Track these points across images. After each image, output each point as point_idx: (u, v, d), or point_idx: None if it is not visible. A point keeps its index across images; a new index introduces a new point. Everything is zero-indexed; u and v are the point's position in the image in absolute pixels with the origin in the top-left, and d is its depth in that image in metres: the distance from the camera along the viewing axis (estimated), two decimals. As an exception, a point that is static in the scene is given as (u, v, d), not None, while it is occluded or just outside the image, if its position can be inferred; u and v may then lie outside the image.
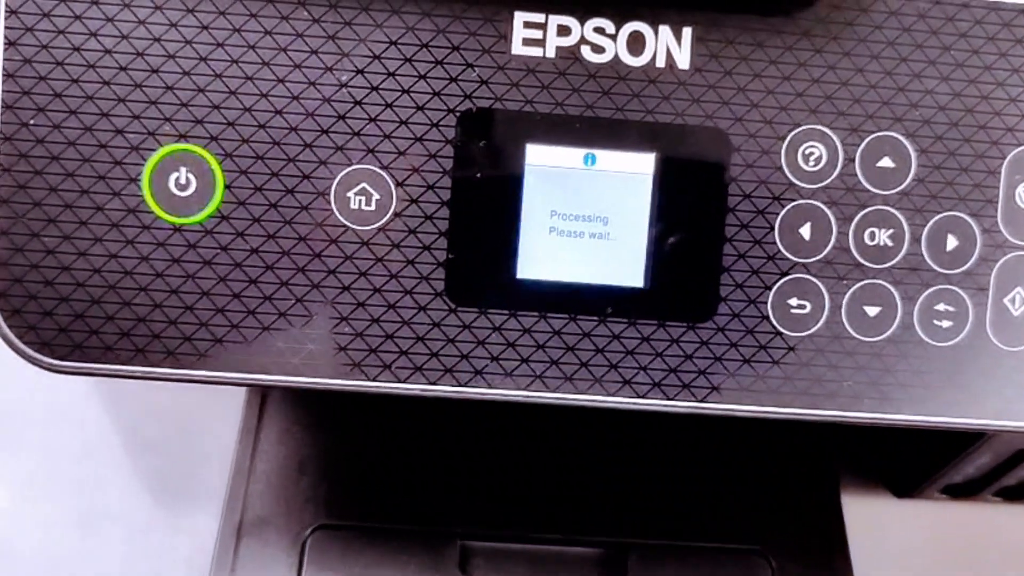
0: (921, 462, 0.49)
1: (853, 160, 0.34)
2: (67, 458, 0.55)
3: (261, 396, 0.46)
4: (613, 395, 0.34)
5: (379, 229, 0.33)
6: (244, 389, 0.49)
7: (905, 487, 0.51)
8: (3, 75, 0.32)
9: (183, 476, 0.55)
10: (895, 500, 0.52)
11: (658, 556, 0.43)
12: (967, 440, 0.45)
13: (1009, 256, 0.34)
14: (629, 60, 0.33)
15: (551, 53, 0.33)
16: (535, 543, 0.43)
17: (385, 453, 0.45)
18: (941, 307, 0.34)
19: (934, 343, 0.34)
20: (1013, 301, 0.34)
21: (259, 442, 0.45)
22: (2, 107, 0.32)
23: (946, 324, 0.34)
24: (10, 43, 0.32)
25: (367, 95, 0.33)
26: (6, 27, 0.32)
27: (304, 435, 0.45)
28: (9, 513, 0.54)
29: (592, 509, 0.44)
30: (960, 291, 0.34)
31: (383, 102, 0.33)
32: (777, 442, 0.47)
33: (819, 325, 0.34)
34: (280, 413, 0.46)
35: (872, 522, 0.52)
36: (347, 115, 0.33)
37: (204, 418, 0.54)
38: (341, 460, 0.45)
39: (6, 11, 0.32)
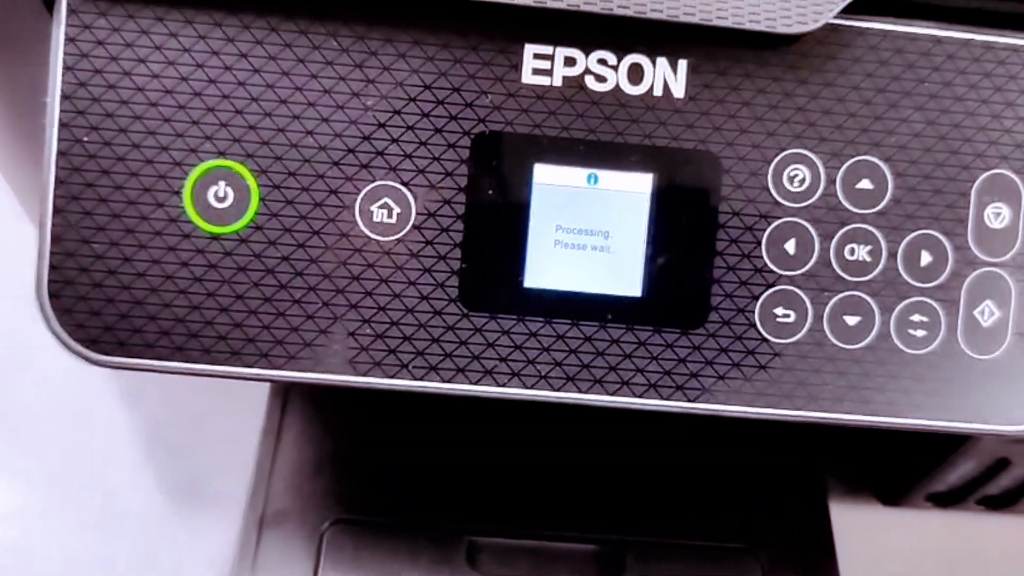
0: (906, 470, 0.51)
1: (834, 182, 0.37)
2: (91, 458, 0.58)
3: (282, 399, 0.49)
4: (612, 395, 0.37)
5: (399, 240, 0.36)
6: (266, 393, 0.51)
7: (891, 495, 0.53)
8: (61, 96, 0.35)
9: (204, 478, 0.57)
10: (882, 508, 0.54)
11: (654, 553, 0.46)
12: (949, 448, 0.48)
13: (979, 271, 0.37)
14: (629, 89, 0.36)
15: (558, 82, 0.36)
16: (538, 539, 0.46)
17: (399, 454, 0.48)
18: (916, 318, 0.37)
19: (909, 351, 0.37)
20: (982, 313, 0.37)
21: (280, 442, 0.48)
22: (59, 125, 0.35)
23: (920, 333, 0.37)
24: (68, 68, 0.35)
25: (390, 118, 0.36)
26: (65, 53, 0.35)
27: (323, 436, 0.48)
28: (36, 510, 0.57)
29: (592, 508, 0.47)
30: (933, 303, 0.37)
31: (404, 125, 0.36)
32: (768, 449, 0.50)
33: (802, 333, 0.37)
34: (300, 415, 0.49)
35: (860, 529, 0.54)
36: (371, 136, 0.36)
37: (224, 424, 0.57)
38: (357, 459, 0.47)
39: (65, 39, 0.35)
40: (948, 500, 0.53)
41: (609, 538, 0.46)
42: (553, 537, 0.46)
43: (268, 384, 0.51)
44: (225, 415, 0.57)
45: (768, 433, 0.50)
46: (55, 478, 0.58)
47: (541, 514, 0.46)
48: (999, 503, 0.53)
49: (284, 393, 0.49)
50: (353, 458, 0.47)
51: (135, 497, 0.57)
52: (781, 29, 0.35)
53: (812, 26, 0.35)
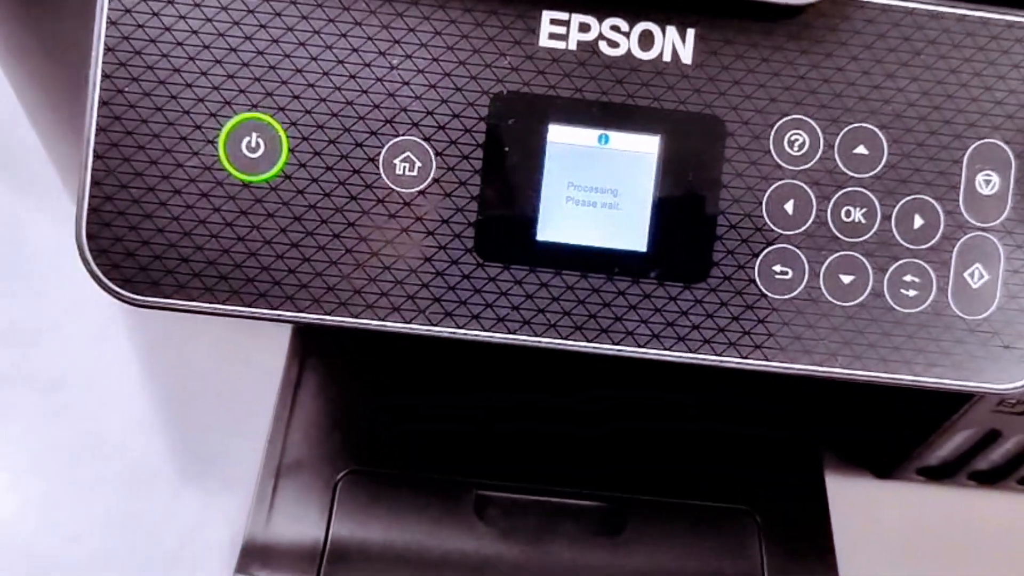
0: (898, 442, 0.53)
1: (833, 147, 0.39)
2: (112, 420, 0.59)
3: (300, 356, 0.51)
4: (617, 344, 0.39)
5: (420, 192, 0.38)
6: (281, 356, 0.53)
7: (884, 468, 0.55)
8: (104, 49, 0.37)
9: (222, 439, 0.59)
10: (876, 481, 0.56)
11: (655, 511, 0.47)
12: (939, 418, 0.49)
13: (969, 236, 0.39)
14: (640, 54, 0.38)
15: (573, 46, 0.38)
16: (544, 495, 0.48)
17: (412, 408, 0.50)
18: (908, 278, 0.39)
19: (901, 309, 0.39)
20: (972, 275, 0.39)
21: (298, 395, 0.49)
22: (102, 76, 0.37)
23: (912, 293, 0.39)
24: (111, 22, 0.37)
25: (414, 76, 0.38)
26: (109, 8, 0.37)
27: (339, 390, 0.50)
28: (59, 470, 0.58)
29: (597, 467, 0.49)
30: (925, 265, 0.39)
31: (427, 83, 0.38)
32: (767, 416, 0.52)
33: (799, 290, 0.39)
34: (317, 371, 0.51)
35: (854, 501, 0.56)
36: (396, 93, 0.38)
37: (242, 389, 0.59)
38: (372, 413, 0.49)
39: (110, -5, 0.37)
40: (940, 474, 0.54)
41: (612, 495, 0.48)
42: (558, 493, 0.48)
43: (287, 345, 0.53)
44: (244, 380, 0.59)
45: (768, 402, 0.52)
46: (78, 438, 0.59)
47: (548, 472, 0.48)
48: (990, 478, 0.54)
49: (302, 350, 0.51)
50: (368, 413, 0.49)
51: (155, 457, 0.59)
52: (785, 0, 0.37)
53: (814, -2, 0.37)
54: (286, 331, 0.55)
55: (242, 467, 0.56)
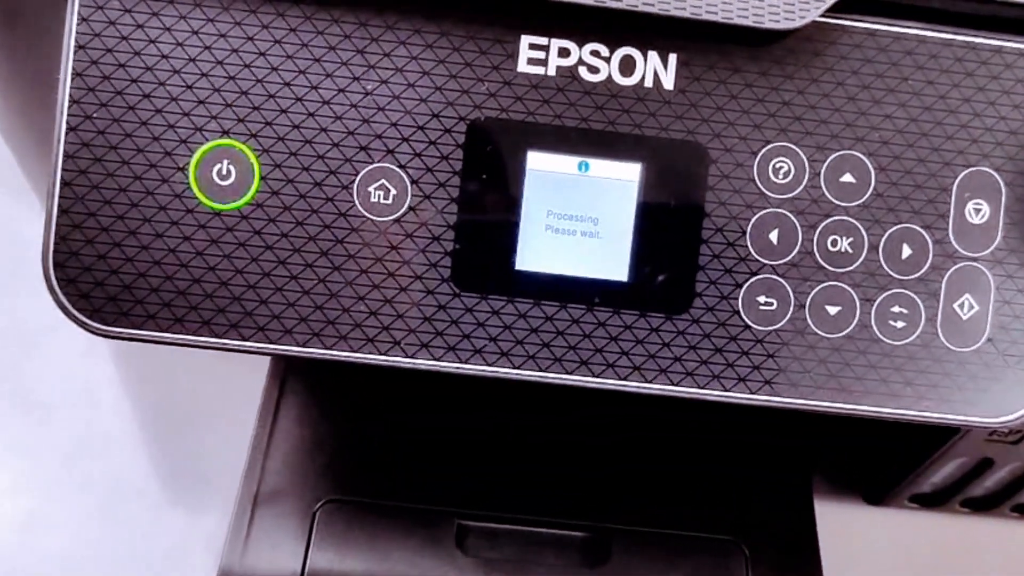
0: (890, 470, 0.52)
1: (819, 175, 0.38)
2: (95, 439, 0.59)
3: (280, 381, 0.50)
4: (597, 376, 0.38)
5: (395, 220, 0.37)
6: (265, 376, 0.52)
7: (876, 495, 0.54)
8: (72, 73, 0.36)
9: (204, 459, 0.58)
10: (867, 508, 0.55)
11: (640, 541, 0.47)
12: (931, 447, 0.48)
13: (959, 266, 0.38)
14: (621, 80, 0.37)
15: (552, 72, 0.37)
16: (527, 525, 0.47)
17: (392, 437, 0.49)
18: (896, 309, 0.38)
19: (889, 341, 0.38)
20: (962, 307, 0.38)
21: (277, 422, 0.49)
22: (70, 101, 0.36)
23: (900, 325, 0.38)
24: (80, 47, 0.36)
25: (389, 102, 0.37)
26: (77, 32, 0.36)
27: (318, 418, 0.49)
28: (41, 489, 0.58)
29: (581, 496, 0.48)
30: (913, 295, 0.38)
31: (403, 109, 0.37)
32: (755, 444, 0.51)
33: (784, 321, 0.38)
34: (297, 398, 0.50)
35: (844, 528, 0.55)
36: (371, 119, 0.37)
37: (224, 408, 0.58)
38: (352, 442, 0.48)
39: (78, 19, 0.36)
40: (932, 501, 0.54)
41: (596, 525, 0.47)
42: (541, 523, 0.47)
43: (267, 368, 0.52)
44: (226, 399, 0.58)
45: (756, 430, 0.51)
46: (61, 458, 0.59)
47: (530, 500, 0.47)
48: (983, 505, 0.53)
49: (282, 375, 0.50)
50: (347, 440, 0.48)
51: (137, 476, 0.58)
52: (769, 25, 0.36)
53: (799, 23, 0.36)
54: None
55: (227, 488, 0.56)
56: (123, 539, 0.57)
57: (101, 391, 0.59)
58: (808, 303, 0.38)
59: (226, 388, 0.57)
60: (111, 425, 0.58)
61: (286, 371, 0.50)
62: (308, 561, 0.44)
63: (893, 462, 0.51)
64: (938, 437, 0.47)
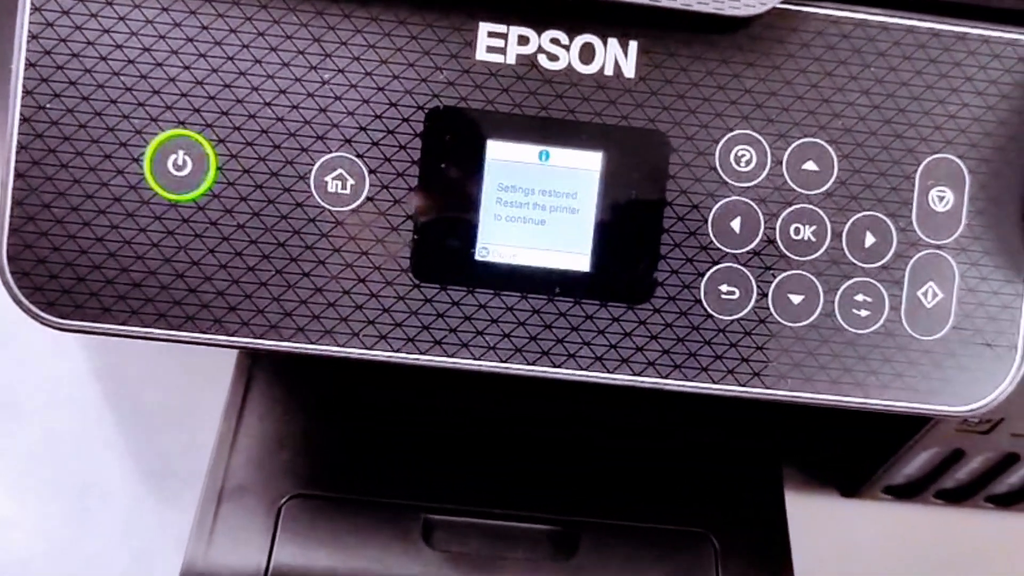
0: (862, 461, 0.52)
1: (781, 163, 0.37)
2: (66, 436, 0.58)
3: (247, 376, 0.50)
4: (559, 367, 0.37)
5: (353, 211, 0.37)
6: (232, 371, 0.52)
7: (850, 487, 0.54)
8: (25, 64, 0.36)
9: (175, 455, 0.58)
10: (842, 500, 0.55)
11: (609, 534, 0.46)
12: (903, 437, 0.48)
13: (922, 253, 0.38)
14: (581, 68, 0.37)
15: (511, 60, 0.37)
16: (494, 519, 0.46)
17: (358, 432, 0.48)
18: (859, 297, 0.38)
19: (853, 330, 0.38)
20: (926, 294, 0.38)
21: (243, 418, 0.48)
22: (23, 92, 0.36)
23: (864, 313, 0.38)
24: (33, 36, 0.36)
25: (346, 91, 0.37)
26: (30, 22, 0.36)
27: (284, 413, 0.48)
28: (12, 487, 0.57)
29: (548, 489, 0.47)
30: (877, 284, 0.38)
31: (360, 98, 0.37)
32: (725, 435, 0.50)
33: (747, 310, 0.37)
34: (263, 392, 0.49)
35: (820, 520, 0.55)
36: (328, 108, 0.37)
37: (195, 404, 0.58)
38: (317, 437, 0.48)
39: (31, 8, 0.36)
40: (907, 492, 0.53)
41: (564, 518, 0.46)
42: (509, 517, 0.46)
43: (234, 362, 0.51)
44: (197, 397, 0.58)
45: (726, 421, 0.51)
46: (31, 455, 0.58)
47: (497, 494, 0.47)
48: (957, 496, 0.53)
49: (248, 370, 0.50)
50: (313, 435, 0.48)
51: (109, 474, 0.58)
52: (729, 11, 0.36)
53: (760, 9, 0.36)
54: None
55: (197, 488, 0.55)
56: (91, 540, 0.56)
57: (70, 389, 0.59)
58: (771, 292, 0.37)
59: (197, 386, 0.57)
60: (79, 424, 0.58)
61: (252, 366, 0.50)
62: (273, 556, 0.44)
63: (866, 454, 0.51)
64: (909, 428, 0.47)
